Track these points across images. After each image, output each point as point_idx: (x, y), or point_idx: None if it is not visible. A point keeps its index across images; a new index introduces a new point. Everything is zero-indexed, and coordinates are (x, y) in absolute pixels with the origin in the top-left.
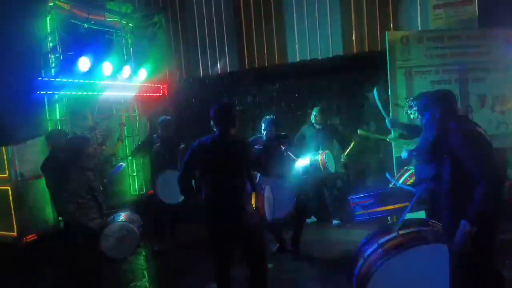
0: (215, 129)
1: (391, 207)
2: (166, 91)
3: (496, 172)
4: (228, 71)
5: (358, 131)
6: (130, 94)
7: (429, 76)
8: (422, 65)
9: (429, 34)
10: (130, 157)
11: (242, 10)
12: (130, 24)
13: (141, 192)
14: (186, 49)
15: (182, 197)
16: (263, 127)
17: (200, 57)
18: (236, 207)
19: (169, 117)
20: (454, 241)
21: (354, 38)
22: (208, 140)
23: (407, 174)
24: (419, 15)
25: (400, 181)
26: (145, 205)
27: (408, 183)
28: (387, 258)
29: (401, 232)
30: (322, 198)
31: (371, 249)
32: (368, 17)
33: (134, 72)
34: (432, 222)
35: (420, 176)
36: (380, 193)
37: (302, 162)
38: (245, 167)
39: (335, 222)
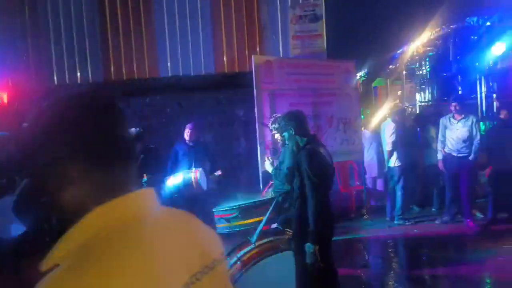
0: None
1: (252, 220)
2: (9, 100)
3: (323, 189)
4: (91, 81)
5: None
6: None
7: (289, 99)
8: (283, 88)
9: (289, 61)
10: None
11: (108, 17)
12: None
13: None
14: (37, 53)
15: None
16: None
17: (54, 63)
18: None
19: (6, 133)
20: (306, 259)
21: (225, 58)
22: None
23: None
24: (281, 43)
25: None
26: None
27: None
28: (244, 270)
29: (258, 243)
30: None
31: (230, 263)
32: (237, 40)
33: None
34: (286, 230)
35: (277, 189)
36: (244, 206)
37: (174, 180)
38: None
39: None
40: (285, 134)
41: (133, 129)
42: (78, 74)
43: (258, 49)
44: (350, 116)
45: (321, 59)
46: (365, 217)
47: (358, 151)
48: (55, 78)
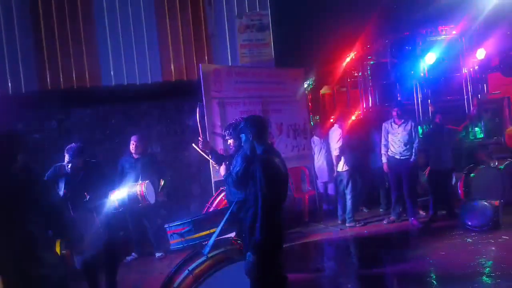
0: None
1: (207, 232)
2: None
3: (274, 201)
4: (24, 90)
5: (193, 144)
6: None
7: (238, 107)
8: (232, 97)
9: (237, 69)
10: None
11: (41, 21)
12: None
13: None
14: None
15: None
16: (66, 159)
17: None
18: (29, 262)
19: None
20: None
21: (172, 66)
22: None
23: (222, 194)
24: (229, 51)
25: (216, 201)
26: None
27: (224, 203)
28: (197, 284)
29: (210, 255)
30: (144, 231)
31: (181, 277)
32: (184, 48)
33: None
34: (236, 240)
35: (230, 199)
36: (196, 220)
37: (118, 194)
38: (36, 208)
39: (158, 254)
40: (243, 136)
41: (73, 144)
42: (10, 84)
43: (206, 58)
44: (299, 122)
45: (270, 68)
46: (317, 220)
47: (309, 157)
48: None
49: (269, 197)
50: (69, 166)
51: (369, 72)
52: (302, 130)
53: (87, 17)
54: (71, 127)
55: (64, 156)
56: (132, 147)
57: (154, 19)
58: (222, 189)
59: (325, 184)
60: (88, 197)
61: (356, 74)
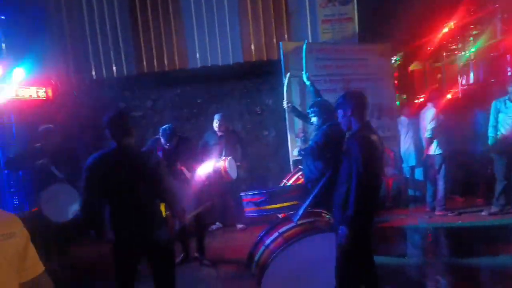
0: (112, 141)
1: (280, 205)
2: (51, 95)
3: (370, 179)
4: (125, 74)
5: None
6: (3, 97)
7: (319, 85)
8: (313, 75)
9: (318, 46)
10: (5, 171)
11: (138, 13)
12: (2, 17)
13: (23, 210)
14: (74, 47)
15: (72, 214)
16: (163, 141)
17: (92, 58)
18: (145, 224)
19: (51, 126)
20: (336, 240)
21: (253, 46)
22: (104, 155)
23: (299, 173)
24: (309, 28)
25: (292, 180)
26: (29, 224)
27: (300, 182)
28: (286, 245)
29: (299, 222)
30: (226, 204)
31: (272, 238)
32: (265, 27)
33: (9, 72)
34: (325, 213)
35: (309, 175)
36: (271, 192)
37: (204, 168)
38: (152, 179)
39: (239, 226)
40: (340, 111)
41: (166, 127)
42: (114, 68)
43: (286, 36)
44: (385, 102)
45: (353, 43)
46: (403, 206)
47: (394, 138)
48: (94, 73)
49: (365, 175)
50: (166, 147)
51: (471, 44)
52: (388, 110)
53: (175, 5)
54: (163, 106)
55: (157, 132)
56: (215, 125)
57: (236, 1)
58: (300, 167)
59: (412, 169)
60: (179, 166)
61: (455, 46)
